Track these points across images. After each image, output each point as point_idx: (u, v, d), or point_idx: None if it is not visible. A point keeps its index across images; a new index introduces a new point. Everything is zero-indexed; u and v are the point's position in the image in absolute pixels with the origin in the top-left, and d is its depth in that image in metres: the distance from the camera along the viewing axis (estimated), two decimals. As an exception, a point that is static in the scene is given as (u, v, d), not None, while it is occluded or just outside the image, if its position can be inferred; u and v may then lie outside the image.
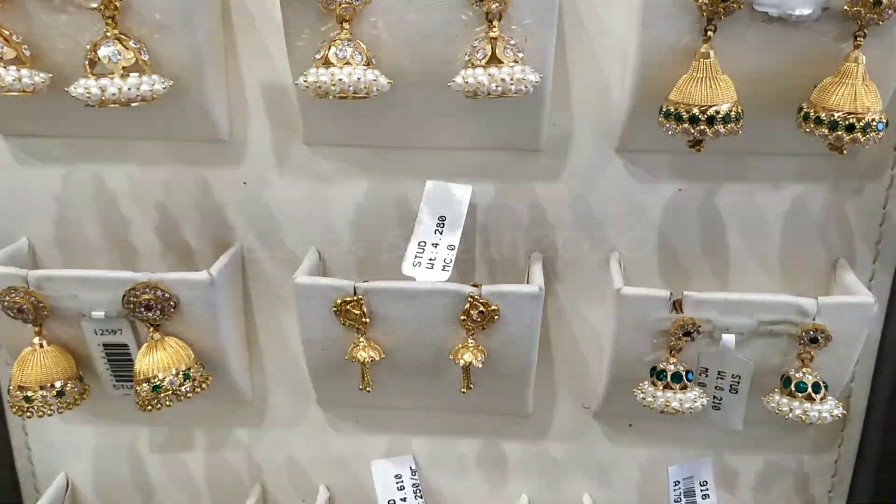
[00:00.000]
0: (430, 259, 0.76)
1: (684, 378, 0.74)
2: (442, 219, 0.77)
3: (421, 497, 0.87)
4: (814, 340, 0.73)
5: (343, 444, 0.90)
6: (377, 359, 0.76)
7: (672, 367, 0.74)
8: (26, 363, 0.77)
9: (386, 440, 0.90)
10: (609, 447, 0.88)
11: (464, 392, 0.78)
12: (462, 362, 0.74)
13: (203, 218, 0.81)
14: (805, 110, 0.67)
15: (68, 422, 0.91)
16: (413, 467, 0.89)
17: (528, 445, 0.89)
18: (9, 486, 0.93)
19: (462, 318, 0.74)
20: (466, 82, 0.64)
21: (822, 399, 0.73)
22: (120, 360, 0.80)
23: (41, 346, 0.77)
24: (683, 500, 0.83)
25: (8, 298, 0.74)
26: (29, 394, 0.76)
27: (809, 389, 0.73)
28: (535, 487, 0.90)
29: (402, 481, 0.88)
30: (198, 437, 0.91)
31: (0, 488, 0.92)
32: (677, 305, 0.74)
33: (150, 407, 0.75)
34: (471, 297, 0.73)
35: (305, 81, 0.65)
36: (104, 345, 0.79)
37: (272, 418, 0.90)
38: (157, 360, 0.75)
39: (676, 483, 0.83)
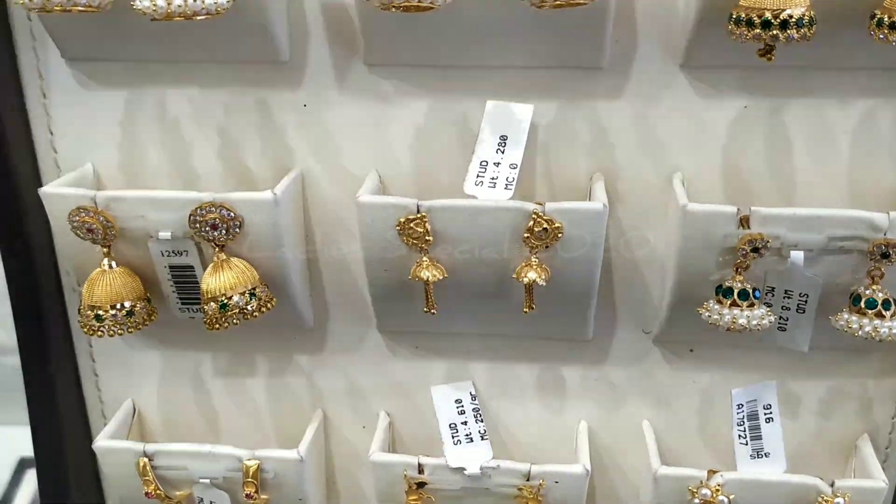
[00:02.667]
0: (493, 178, 0.76)
1: (751, 295, 0.73)
2: (503, 138, 0.76)
3: (482, 421, 0.87)
4: (885, 256, 0.71)
5: (403, 370, 0.91)
6: (440, 278, 0.76)
7: (739, 285, 0.73)
8: (96, 284, 0.78)
9: (445, 366, 0.91)
10: (669, 372, 0.88)
11: (526, 312, 0.77)
12: (526, 280, 0.74)
13: (263, 141, 0.82)
14: (878, 16, 0.65)
15: (134, 348, 0.92)
16: (473, 392, 0.89)
17: (588, 371, 0.89)
18: (77, 413, 0.95)
19: (525, 235, 0.74)
20: (533, -12, 0.64)
21: (892, 316, 0.72)
22: (186, 283, 0.81)
23: (110, 266, 0.78)
24: (746, 424, 0.83)
25: (78, 218, 0.75)
26: (100, 313, 0.77)
27: (879, 306, 0.72)
28: (594, 413, 0.90)
29: (462, 406, 0.89)
30: (259, 364, 0.92)
31: (68, 416, 0.94)
32: (744, 222, 0.73)
33: (217, 326, 0.76)
34: (534, 214, 0.73)
35: (370, -9, 0.65)
36: (170, 266, 0.80)
37: (333, 345, 0.91)
38: (224, 279, 0.76)
39: (740, 406, 0.82)
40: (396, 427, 0.93)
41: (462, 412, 0.88)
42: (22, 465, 1.70)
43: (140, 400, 0.95)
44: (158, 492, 0.87)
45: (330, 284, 0.88)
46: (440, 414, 0.88)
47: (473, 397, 0.89)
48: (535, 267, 0.75)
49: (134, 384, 0.95)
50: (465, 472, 0.83)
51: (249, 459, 0.85)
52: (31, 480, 1.69)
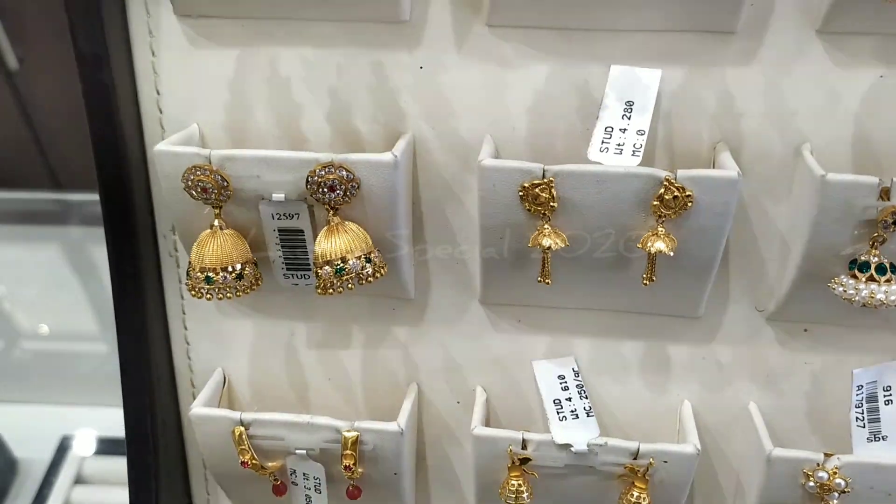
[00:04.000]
0: (619, 144, 0.74)
1: (889, 270, 0.71)
2: (629, 103, 0.74)
3: (586, 397, 0.85)
4: None
5: (502, 344, 0.89)
6: (562, 246, 0.74)
7: (875, 259, 0.71)
8: (205, 245, 0.76)
9: (546, 341, 0.88)
10: (780, 353, 0.85)
11: (646, 284, 0.75)
12: (653, 249, 0.72)
13: (375, 104, 0.80)
14: None
15: (228, 315, 0.91)
16: (575, 368, 0.87)
17: (695, 349, 0.87)
18: (167, 381, 0.94)
19: (654, 203, 0.71)
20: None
21: None
22: (294, 247, 0.79)
23: (221, 228, 0.76)
24: (865, 406, 0.80)
25: (193, 177, 0.74)
26: (210, 275, 0.75)
27: None
28: (698, 393, 0.88)
29: (565, 382, 0.86)
30: (355, 335, 0.90)
31: (160, 384, 0.92)
32: (883, 194, 0.70)
33: (331, 290, 0.74)
34: (666, 180, 0.70)
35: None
36: (280, 230, 0.78)
37: (432, 316, 0.88)
38: (340, 243, 0.74)
39: (860, 387, 0.80)
40: (492, 403, 0.91)
41: (566, 388, 0.86)
42: (64, 444, 1.69)
43: (230, 370, 0.94)
44: (254, 461, 0.85)
45: (434, 254, 0.85)
46: (543, 389, 0.86)
47: (576, 373, 0.87)
48: (662, 237, 0.72)
49: (225, 353, 0.93)
50: (572, 448, 0.81)
51: (349, 430, 0.83)
52: (73, 459, 1.68)
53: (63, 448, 1.70)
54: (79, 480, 1.66)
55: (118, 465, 1.68)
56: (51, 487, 1.60)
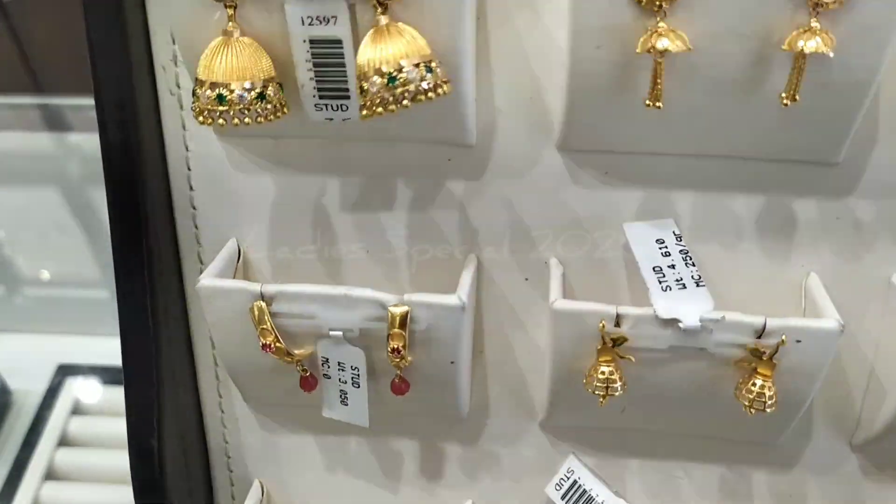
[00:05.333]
0: (760, -87, 0.55)
1: None
2: None
3: (693, 265, 0.68)
4: None
5: (584, 202, 0.71)
6: (684, 50, 0.56)
7: None
8: (216, 56, 0.59)
9: (639, 198, 0.71)
10: (936, 209, 0.68)
11: (786, 104, 0.58)
12: (806, 50, 0.54)
13: None
14: None
15: (243, 171, 0.73)
16: (677, 233, 0.70)
17: (827, 205, 0.69)
18: (169, 256, 0.77)
19: (812, -13, 0.54)
20: None
21: None
22: (329, 64, 0.61)
23: (235, 35, 0.59)
24: None
25: (197, -43, 0.56)
26: (223, 92, 0.58)
27: None
28: (828, 262, 0.71)
29: (665, 247, 0.69)
30: (401, 192, 0.73)
31: (161, 258, 0.76)
32: None
33: (380, 109, 0.57)
34: (833, -50, 0.53)
35: None
36: (311, 41, 0.60)
37: (496, 167, 0.71)
38: (391, 48, 0.57)
39: None
40: (569, 279, 0.74)
41: (667, 254, 0.69)
42: (61, 372, 1.65)
43: (245, 239, 0.77)
44: (279, 345, 0.69)
45: (501, 85, 0.68)
46: (640, 256, 0.69)
47: (678, 238, 0.70)
48: (818, 32, 0.55)
49: (239, 219, 0.76)
50: (680, 325, 0.64)
51: (396, 305, 0.67)
52: (69, 388, 1.62)
53: (59, 378, 1.66)
54: (76, 411, 1.61)
55: (116, 395, 1.58)
56: (46, 418, 1.57)
